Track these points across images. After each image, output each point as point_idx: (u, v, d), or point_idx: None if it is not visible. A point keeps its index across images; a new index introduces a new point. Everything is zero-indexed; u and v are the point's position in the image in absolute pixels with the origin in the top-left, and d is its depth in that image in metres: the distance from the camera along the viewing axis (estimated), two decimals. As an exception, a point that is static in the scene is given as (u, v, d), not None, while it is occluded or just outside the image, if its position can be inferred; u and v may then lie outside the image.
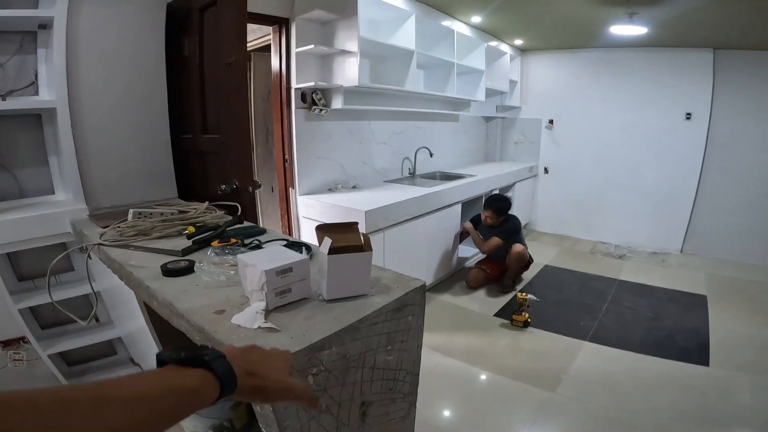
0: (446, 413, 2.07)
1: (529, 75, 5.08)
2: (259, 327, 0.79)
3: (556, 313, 3.07)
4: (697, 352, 2.52)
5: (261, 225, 1.47)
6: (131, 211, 1.36)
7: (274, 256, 0.88)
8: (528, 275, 3.72)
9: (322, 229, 0.90)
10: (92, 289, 1.39)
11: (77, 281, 1.96)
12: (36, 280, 1.90)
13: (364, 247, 0.89)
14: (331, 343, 0.80)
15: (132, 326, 1.98)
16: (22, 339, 1.93)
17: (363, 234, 0.91)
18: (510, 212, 3.53)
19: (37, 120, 1.80)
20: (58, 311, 2.02)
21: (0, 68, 1.69)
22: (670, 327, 2.86)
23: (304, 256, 0.89)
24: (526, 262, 3.50)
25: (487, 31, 4.27)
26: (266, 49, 2.89)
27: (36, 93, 1.75)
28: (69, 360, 2.11)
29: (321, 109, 2.75)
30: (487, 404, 2.11)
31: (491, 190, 4.02)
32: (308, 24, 2.63)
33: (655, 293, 3.44)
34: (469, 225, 3.51)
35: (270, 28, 2.67)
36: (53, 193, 1.84)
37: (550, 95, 4.94)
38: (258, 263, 0.83)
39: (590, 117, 4.72)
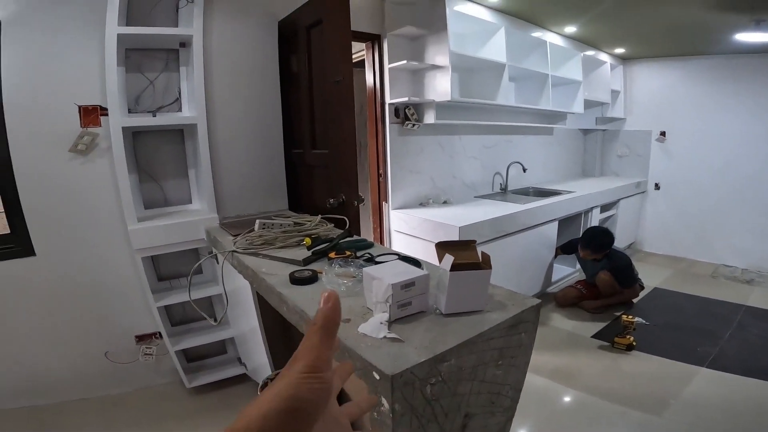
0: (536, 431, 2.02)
1: (633, 84, 4.74)
2: (384, 337, 0.85)
3: (668, 338, 2.81)
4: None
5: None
6: (257, 221, 1.53)
7: (396, 270, 0.94)
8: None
9: (443, 247, 0.95)
10: (224, 291, 1.56)
11: (204, 283, 2.19)
12: (171, 281, 2.15)
13: (483, 265, 0.92)
14: (451, 355, 0.83)
15: (245, 327, 2.14)
16: (155, 335, 2.15)
17: (482, 252, 0.94)
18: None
19: (179, 135, 1.99)
20: (185, 310, 2.24)
21: (151, 85, 1.86)
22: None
23: (425, 271, 0.94)
24: (618, 291, 3.22)
25: (583, 41, 4.07)
26: (358, 65, 3.00)
27: (179, 109, 1.90)
28: (188, 357, 2.29)
29: (414, 124, 2.81)
30: (579, 424, 2.02)
31: (591, 208, 3.77)
32: (399, 40, 2.73)
33: (791, 322, 2.99)
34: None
35: (363, 45, 2.78)
36: (191, 202, 2.07)
37: (660, 105, 4.55)
38: (384, 277, 0.90)
39: (709, 128, 4.26)
